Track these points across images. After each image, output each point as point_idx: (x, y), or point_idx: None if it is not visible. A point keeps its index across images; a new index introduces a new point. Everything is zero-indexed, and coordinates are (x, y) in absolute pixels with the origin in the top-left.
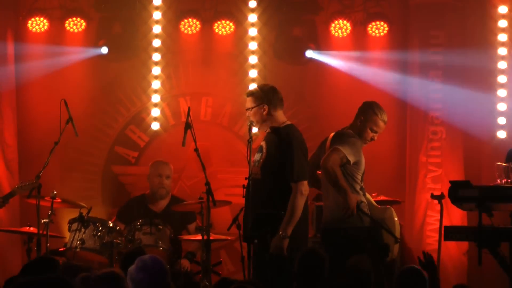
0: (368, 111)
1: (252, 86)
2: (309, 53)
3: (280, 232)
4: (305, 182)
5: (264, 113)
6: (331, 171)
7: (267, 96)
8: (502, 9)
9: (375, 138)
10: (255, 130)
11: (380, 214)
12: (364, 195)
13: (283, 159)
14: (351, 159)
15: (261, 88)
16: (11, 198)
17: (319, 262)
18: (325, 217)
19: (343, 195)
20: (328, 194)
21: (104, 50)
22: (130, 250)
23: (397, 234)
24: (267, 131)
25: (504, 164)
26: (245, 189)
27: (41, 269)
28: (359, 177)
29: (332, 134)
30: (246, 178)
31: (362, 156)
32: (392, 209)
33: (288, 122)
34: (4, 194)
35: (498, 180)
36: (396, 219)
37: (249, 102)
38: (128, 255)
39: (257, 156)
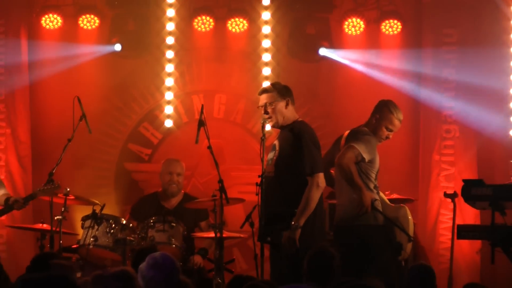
0: (383, 109)
1: (266, 84)
2: (323, 51)
3: (293, 223)
4: (321, 175)
5: (285, 107)
6: (346, 168)
7: (287, 91)
8: None
9: (390, 136)
10: (268, 127)
11: (394, 213)
12: (378, 193)
13: (296, 155)
14: (366, 157)
15: (278, 84)
16: (31, 200)
17: (328, 261)
18: (338, 215)
19: (358, 193)
20: (342, 192)
21: (118, 47)
22: (141, 247)
23: (411, 232)
24: (280, 128)
25: None
26: (258, 187)
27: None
28: (373, 175)
29: (347, 131)
30: (259, 176)
31: (376, 154)
32: (406, 208)
33: (300, 119)
34: (25, 196)
35: None
36: (410, 217)
37: (271, 97)
38: (139, 252)
39: (270, 154)
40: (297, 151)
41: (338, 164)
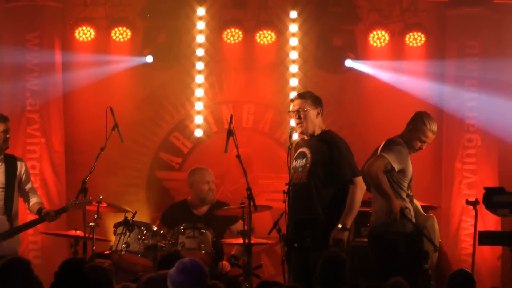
0: (417, 120)
1: (293, 94)
2: (348, 62)
3: (340, 225)
4: (361, 178)
5: (316, 116)
6: (374, 176)
7: (320, 102)
8: None
9: (423, 147)
10: (295, 137)
11: (423, 222)
12: (412, 202)
13: (332, 163)
14: (396, 166)
15: (312, 93)
16: (63, 213)
17: (340, 266)
18: (372, 221)
19: (387, 200)
20: (376, 199)
21: (149, 59)
22: (165, 254)
23: (437, 242)
24: (306, 137)
25: None
26: (285, 194)
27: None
28: (405, 184)
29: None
30: (286, 184)
31: (408, 164)
32: (434, 218)
33: (327, 129)
34: (57, 209)
35: None
36: (437, 227)
37: (306, 104)
38: (163, 258)
39: (299, 162)
40: (333, 159)
41: (367, 172)
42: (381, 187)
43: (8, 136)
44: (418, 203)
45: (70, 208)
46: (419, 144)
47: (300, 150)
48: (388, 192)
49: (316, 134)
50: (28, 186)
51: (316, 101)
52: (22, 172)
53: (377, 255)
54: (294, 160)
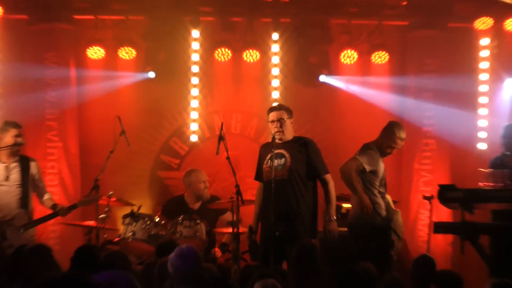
0: (388, 129)
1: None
2: (322, 78)
3: (328, 218)
4: (330, 174)
5: (290, 124)
6: (348, 173)
7: (292, 112)
8: (484, 41)
9: (393, 152)
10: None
11: (391, 215)
12: (383, 198)
13: (308, 161)
14: (367, 167)
15: (284, 106)
16: (73, 209)
17: (312, 252)
18: (350, 214)
19: (357, 195)
20: (352, 196)
21: (151, 74)
22: (162, 242)
23: (401, 233)
24: (282, 141)
25: (485, 170)
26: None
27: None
28: (377, 183)
29: None
30: (268, 181)
31: (379, 166)
32: (399, 212)
33: (296, 135)
34: (69, 205)
35: (481, 184)
36: (401, 220)
37: (284, 114)
38: (160, 246)
39: (279, 162)
40: (310, 159)
41: (341, 171)
42: (352, 183)
43: (19, 140)
44: (390, 199)
45: (80, 205)
46: (389, 149)
47: (277, 151)
48: (357, 188)
49: (289, 139)
50: (41, 183)
51: (290, 112)
52: (35, 171)
53: (354, 242)
54: (270, 161)
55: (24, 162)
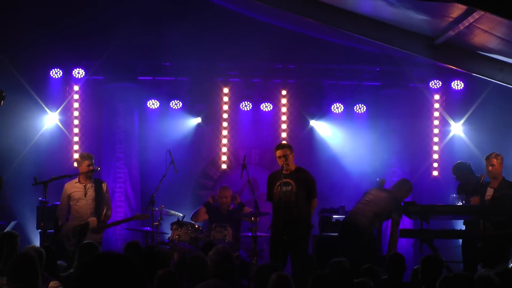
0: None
1: (283, 142)
2: (313, 123)
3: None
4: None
5: (292, 158)
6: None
7: (292, 148)
8: (436, 96)
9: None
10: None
11: None
12: None
13: (308, 188)
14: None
15: (287, 144)
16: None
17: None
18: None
19: None
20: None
21: (198, 120)
22: (204, 243)
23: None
24: (287, 172)
25: (454, 195)
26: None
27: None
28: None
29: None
30: (276, 201)
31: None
32: None
33: (297, 166)
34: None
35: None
36: None
37: (288, 151)
38: (204, 245)
39: (286, 188)
40: (309, 187)
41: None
42: None
43: (91, 168)
44: None
45: (134, 218)
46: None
47: (284, 180)
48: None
49: (293, 169)
50: (108, 200)
51: (292, 149)
52: (105, 190)
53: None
54: (279, 187)
55: (98, 183)
